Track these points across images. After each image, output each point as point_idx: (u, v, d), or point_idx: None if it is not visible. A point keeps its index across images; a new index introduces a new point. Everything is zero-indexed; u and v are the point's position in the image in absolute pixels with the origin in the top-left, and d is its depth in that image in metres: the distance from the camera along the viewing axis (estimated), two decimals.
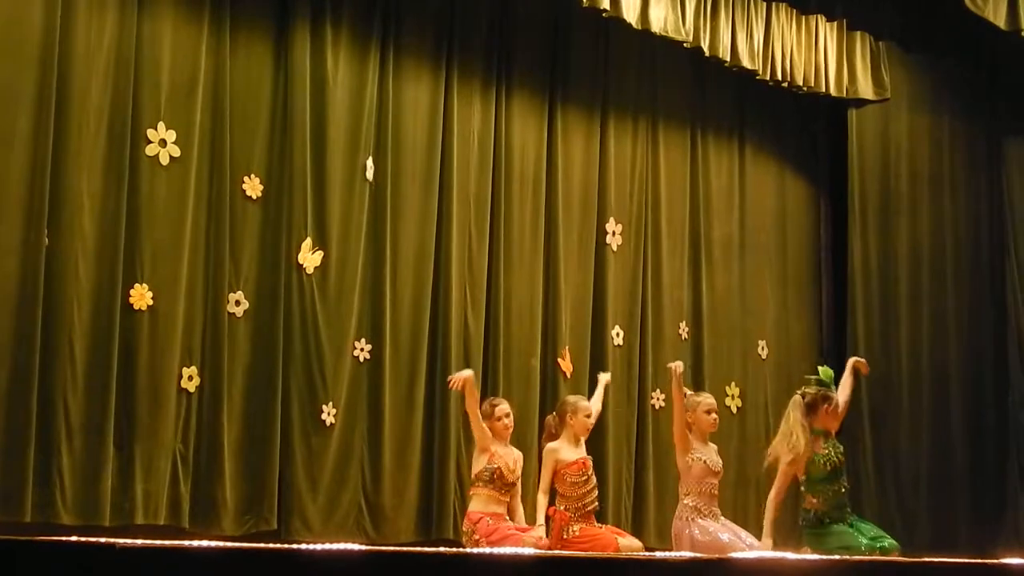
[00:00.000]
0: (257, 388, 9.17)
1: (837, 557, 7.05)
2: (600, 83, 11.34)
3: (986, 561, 6.67)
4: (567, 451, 8.60)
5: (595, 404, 9.01)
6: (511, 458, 8.62)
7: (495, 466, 8.48)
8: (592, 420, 8.84)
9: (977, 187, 12.68)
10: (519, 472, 8.71)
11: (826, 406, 8.11)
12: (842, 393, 8.35)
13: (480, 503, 8.50)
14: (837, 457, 8.09)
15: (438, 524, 9.80)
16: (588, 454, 8.79)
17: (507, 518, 8.55)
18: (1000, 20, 11.28)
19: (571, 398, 9.07)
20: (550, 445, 8.68)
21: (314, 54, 9.62)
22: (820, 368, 8.51)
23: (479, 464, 8.55)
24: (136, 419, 8.59)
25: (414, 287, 10.00)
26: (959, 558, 7.30)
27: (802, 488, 8.09)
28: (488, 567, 4.16)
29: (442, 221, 10.20)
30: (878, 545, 7.78)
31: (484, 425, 8.58)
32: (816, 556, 7.21)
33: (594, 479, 8.65)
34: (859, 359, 8.86)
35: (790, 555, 7.27)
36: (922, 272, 12.40)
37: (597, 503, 8.71)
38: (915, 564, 6.21)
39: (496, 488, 8.48)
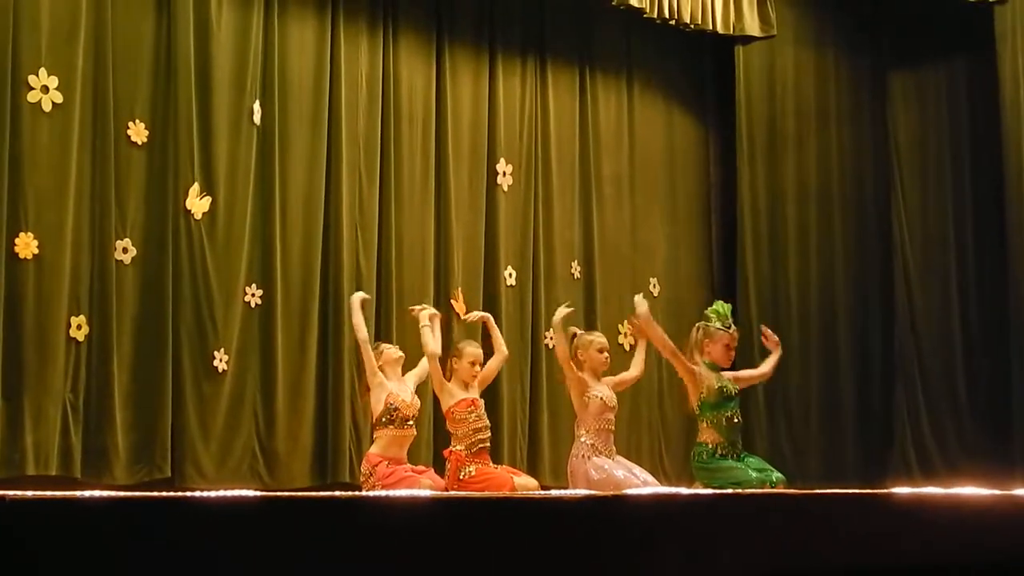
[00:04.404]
0: (147, 336, 9.09)
1: (729, 491, 7.12)
2: (487, 22, 11.31)
3: (873, 491, 6.77)
4: (457, 392, 8.56)
5: (497, 353, 8.94)
6: (408, 393, 8.63)
7: (393, 405, 8.48)
8: (480, 368, 8.75)
9: (862, 122, 12.74)
10: (417, 405, 8.71)
11: (718, 340, 8.18)
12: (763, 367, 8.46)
13: (380, 446, 8.48)
14: (729, 386, 8.14)
15: (333, 468, 9.81)
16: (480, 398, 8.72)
17: (406, 461, 8.56)
18: None
19: (462, 343, 9.01)
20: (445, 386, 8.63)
21: None
22: (716, 303, 8.54)
23: (378, 405, 8.52)
24: (24, 369, 8.49)
25: (304, 230, 9.94)
26: (848, 489, 7.40)
27: (696, 415, 8.10)
28: (384, 510, 4.15)
29: (331, 164, 10.14)
30: (767, 479, 7.86)
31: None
32: (708, 491, 7.28)
33: (485, 418, 8.62)
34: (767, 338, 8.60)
35: (683, 491, 7.34)
36: (809, 207, 12.48)
37: (488, 442, 8.66)
38: (805, 496, 6.30)
39: (397, 426, 8.48)
